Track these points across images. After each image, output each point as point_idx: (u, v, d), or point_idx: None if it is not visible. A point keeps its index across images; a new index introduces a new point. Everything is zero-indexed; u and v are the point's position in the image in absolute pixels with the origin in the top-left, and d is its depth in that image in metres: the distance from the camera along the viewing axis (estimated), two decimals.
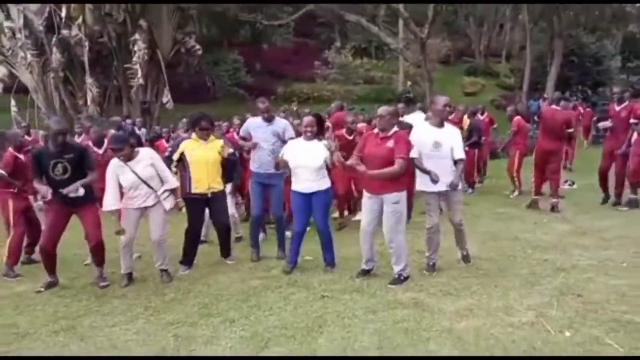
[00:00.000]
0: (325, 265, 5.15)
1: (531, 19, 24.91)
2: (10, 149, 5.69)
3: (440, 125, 4.80)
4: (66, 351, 3.65)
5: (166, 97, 18.28)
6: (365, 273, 4.86)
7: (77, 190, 4.78)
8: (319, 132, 5.07)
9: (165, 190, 5.06)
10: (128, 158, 4.98)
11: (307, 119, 5.05)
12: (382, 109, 4.65)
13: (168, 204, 5.09)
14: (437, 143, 4.71)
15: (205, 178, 5.27)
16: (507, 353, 3.20)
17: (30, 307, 4.52)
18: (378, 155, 4.54)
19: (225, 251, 5.71)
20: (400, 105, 6.76)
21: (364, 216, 4.80)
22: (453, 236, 5.07)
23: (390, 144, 4.52)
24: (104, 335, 3.89)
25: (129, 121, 14.75)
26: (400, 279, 4.66)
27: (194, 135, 5.37)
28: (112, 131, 8.23)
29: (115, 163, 5.04)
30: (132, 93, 18.31)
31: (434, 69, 25.91)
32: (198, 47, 20.01)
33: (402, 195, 4.61)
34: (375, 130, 4.72)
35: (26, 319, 4.26)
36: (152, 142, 10.50)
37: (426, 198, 4.91)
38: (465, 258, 5.12)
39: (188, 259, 5.49)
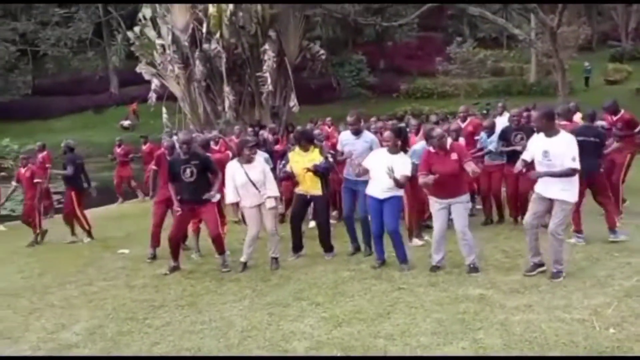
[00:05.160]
0: (399, 263, 5.62)
1: None
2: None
3: (552, 134, 4.81)
4: (187, 320, 4.66)
5: (293, 102, 19.71)
6: (437, 269, 5.36)
7: (213, 196, 5.99)
8: (402, 145, 5.59)
9: (267, 196, 5.95)
10: (247, 160, 5.95)
11: (386, 134, 5.59)
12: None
13: (268, 204, 5.98)
14: (546, 152, 4.83)
15: (304, 184, 6.11)
16: (547, 344, 3.51)
17: (165, 287, 5.68)
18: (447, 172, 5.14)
19: (325, 246, 6.45)
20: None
21: (440, 222, 5.33)
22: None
23: (454, 156, 5.09)
24: (217, 310, 4.85)
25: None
26: (475, 268, 5.20)
27: (297, 148, 6.23)
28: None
29: (232, 164, 6.09)
30: (263, 99, 20.01)
31: (569, 57, 24.35)
32: (322, 52, 21.23)
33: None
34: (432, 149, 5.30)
35: (161, 295, 5.40)
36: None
37: (533, 197, 5.13)
38: (555, 275, 4.83)
39: (294, 245, 6.39)
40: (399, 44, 32.91)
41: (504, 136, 6.95)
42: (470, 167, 5.12)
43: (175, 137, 7.80)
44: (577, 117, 8.31)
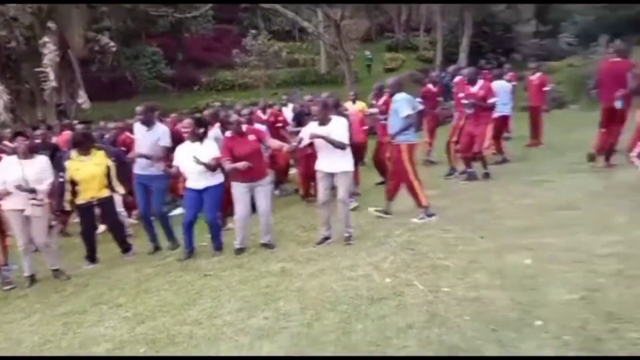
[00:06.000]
0: (215, 250, 5.73)
1: None
2: None
3: (327, 122, 5.30)
4: None
5: (82, 98, 18.14)
6: (242, 251, 5.54)
7: None
8: (203, 134, 5.58)
9: (33, 198, 5.32)
10: (24, 155, 5.35)
11: (185, 121, 5.58)
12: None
13: (29, 210, 5.37)
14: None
15: (91, 190, 5.65)
16: (337, 299, 3.91)
17: None
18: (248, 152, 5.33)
19: (122, 248, 6.14)
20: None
21: (243, 205, 5.50)
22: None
23: (251, 137, 5.35)
24: (1, 332, 4.34)
25: None
26: (272, 245, 5.58)
27: (74, 154, 5.70)
28: None
29: (8, 158, 5.47)
30: (46, 96, 18.00)
31: (353, 49, 26.63)
32: (112, 43, 19.89)
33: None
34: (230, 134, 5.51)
35: None
36: None
37: (319, 176, 5.50)
38: (348, 239, 5.37)
39: (89, 255, 5.95)
40: (196, 35, 32.38)
41: (297, 120, 7.46)
42: (273, 143, 5.71)
43: None
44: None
